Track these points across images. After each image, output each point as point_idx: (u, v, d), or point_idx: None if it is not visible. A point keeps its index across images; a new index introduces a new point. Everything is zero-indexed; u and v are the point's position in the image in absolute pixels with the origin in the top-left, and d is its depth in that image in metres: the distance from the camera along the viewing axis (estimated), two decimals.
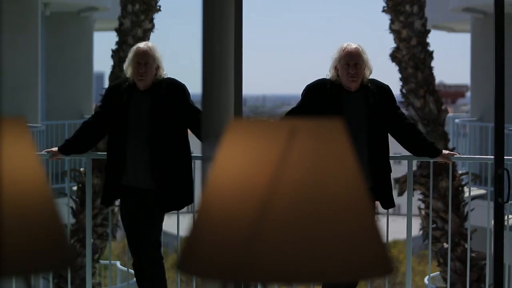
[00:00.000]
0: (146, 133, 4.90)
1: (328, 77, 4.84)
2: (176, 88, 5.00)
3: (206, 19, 3.19)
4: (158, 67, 5.00)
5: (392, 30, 10.06)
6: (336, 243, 1.35)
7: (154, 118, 4.90)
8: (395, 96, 4.99)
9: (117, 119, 4.95)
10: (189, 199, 4.99)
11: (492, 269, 4.12)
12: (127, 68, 5.04)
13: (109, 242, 6.11)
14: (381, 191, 4.81)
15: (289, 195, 1.36)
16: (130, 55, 5.05)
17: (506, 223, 4.55)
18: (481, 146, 12.10)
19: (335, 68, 4.81)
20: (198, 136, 4.83)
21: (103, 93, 5.31)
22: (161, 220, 5.00)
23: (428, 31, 10.09)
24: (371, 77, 4.88)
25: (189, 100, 5.00)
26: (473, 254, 8.83)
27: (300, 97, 4.89)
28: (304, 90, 4.87)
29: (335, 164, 1.40)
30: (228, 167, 1.41)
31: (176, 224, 5.62)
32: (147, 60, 4.96)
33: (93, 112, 5.27)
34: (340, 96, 4.79)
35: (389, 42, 10.23)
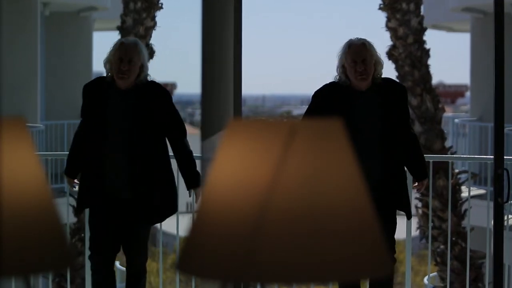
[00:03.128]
0: (127, 139, 4.42)
1: (336, 79, 4.46)
2: (162, 93, 4.52)
3: (205, 19, 3.19)
4: (142, 66, 4.47)
5: (388, 28, 10.07)
6: (336, 243, 1.35)
7: (136, 122, 4.42)
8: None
9: (94, 121, 4.47)
10: (173, 209, 4.62)
11: (492, 269, 4.12)
12: (107, 63, 4.49)
13: None
14: (396, 199, 4.45)
15: (288, 195, 1.36)
16: (112, 49, 4.50)
17: (505, 223, 4.55)
18: (481, 146, 12.09)
19: (343, 67, 4.42)
20: (176, 150, 4.57)
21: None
22: (148, 233, 4.67)
23: (425, 29, 10.09)
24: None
25: (175, 110, 4.56)
26: (470, 253, 8.83)
27: (303, 101, 4.79)
28: (312, 97, 4.51)
29: (335, 164, 1.40)
30: (228, 167, 1.41)
31: (176, 224, 5.61)
32: (131, 56, 4.42)
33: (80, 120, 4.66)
34: (350, 97, 4.41)
35: (386, 40, 10.23)
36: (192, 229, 1.43)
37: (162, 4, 10.16)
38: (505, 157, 4.12)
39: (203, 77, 3.23)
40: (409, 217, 4.61)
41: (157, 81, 4.57)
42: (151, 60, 10.08)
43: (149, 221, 4.62)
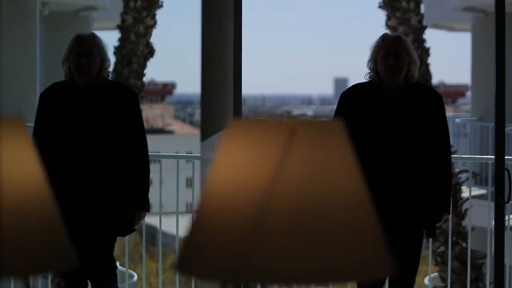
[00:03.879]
0: (92, 144, 4.03)
1: (366, 78, 4.13)
2: (130, 95, 4.14)
3: (205, 19, 3.18)
4: (103, 61, 4.09)
5: (388, 26, 10.07)
6: (337, 243, 1.34)
7: (101, 125, 4.03)
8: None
9: (52, 128, 4.06)
10: (128, 228, 4.20)
11: (492, 269, 4.11)
12: (64, 63, 4.09)
13: None
14: (422, 215, 4.08)
15: (288, 195, 1.35)
16: (68, 46, 4.13)
17: (507, 223, 4.53)
18: (482, 146, 12.08)
19: (374, 61, 4.10)
20: (131, 166, 4.06)
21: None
22: (113, 245, 4.26)
23: (425, 28, 10.09)
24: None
25: (141, 119, 4.16)
26: (471, 253, 8.82)
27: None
28: (338, 100, 4.15)
29: (336, 164, 1.39)
30: (227, 167, 1.40)
31: (175, 224, 5.60)
32: (90, 50, 4.04)
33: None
34: (378, 98, 4.06)
35: None
36: (191, 229, 1.42)
37: (162, 2, 10.15)
38: (506, 157, 4.12)
39: (203, 77, 3.22)
40: (431, 235, 4.18)
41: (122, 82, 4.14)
42: (151, 59, 10.07)
43: (123, 232, 4.25)
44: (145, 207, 4.18)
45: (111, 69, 4.19)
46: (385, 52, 4.04)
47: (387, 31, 10.15)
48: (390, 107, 4.05)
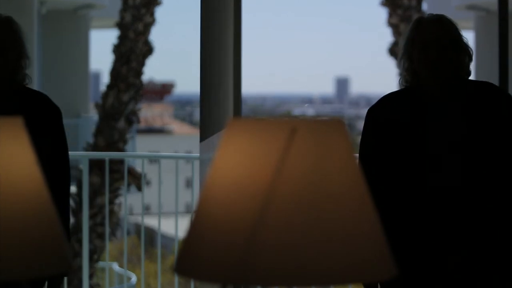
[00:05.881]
0: None
1: (399, 84, 2.90)
2: (51, 111, 3.01)
3: (205, 18, 3.15)
4: (21, 58, 2.90)
5: (390, 24, 10.07)
6: (338, 244, 1.33)
7: None
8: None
9: None
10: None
11: None
12: None
13: (106, 244, 6.04)
14: (477, 267, 2.76)
15: (289, 196, 1.34)
16: None
17: None
18: None
19: (409, 58, 2.82)
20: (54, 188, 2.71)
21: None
22: None
23: None
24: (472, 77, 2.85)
25: (65, 140, 3.03)
26: None
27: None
28: (365, 119, 2.91)
29: (336, 164, 1.38)
30: (227, 167, 1.39)
31: (174, 225, 5.56)
32: (1, 42, 2.87)
33: None
34: (422, 111, 2.78)
35: (387, 37, 10.30)
36: (190, 231, 1.41)
37: None
38: None
39: (203, 76, 3.19)
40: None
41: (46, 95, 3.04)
42: (150, 59, 10.06)
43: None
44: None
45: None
46: (422, 43, 2.75)
47: (388, 27, 10.18)
48: (441, 123, 2.77)
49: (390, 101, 2.88)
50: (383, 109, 2.88)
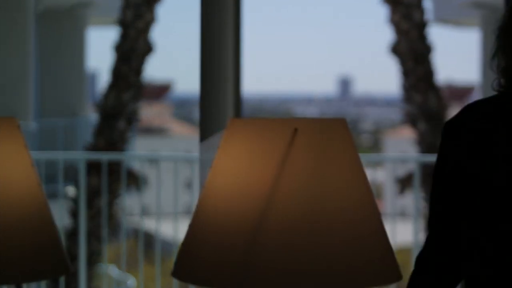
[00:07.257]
0: None
1: (492, 89, 2.03)
2: None
3: (204, 17, 3.10)
4: None
5: (391, 21, 10.06)
6: (340, 248, 1.30)
7: None
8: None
9: None
10: None
11: None
12: None
13: (104, 246, 5.98)
14: None
15: (290, 200, 1.31)
16: None
17: None
18: None
19: (504, 53, 1.92)
20: None
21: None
22: None
23: (429, 23, 10.10)
24: None
25: None
26: None
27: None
28: (442, 138, 2.02)
29: (338, 166, 1.34)
30: (227, 168, 1.36)
31: (174, 228, 5.49)
32: None
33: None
34: None
35: (388, 35, 10.28)
36: (188, 235, 1.38)
37: None
38: None
39: (202, 75, 3.16)
40: None
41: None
42: (150, 57, 10.02)
43: None
44: None
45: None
46: None
47: (390, 24, 10.12)
48: None
49: (478, 113, 2.02)
50: (469, 124, 2.01)
